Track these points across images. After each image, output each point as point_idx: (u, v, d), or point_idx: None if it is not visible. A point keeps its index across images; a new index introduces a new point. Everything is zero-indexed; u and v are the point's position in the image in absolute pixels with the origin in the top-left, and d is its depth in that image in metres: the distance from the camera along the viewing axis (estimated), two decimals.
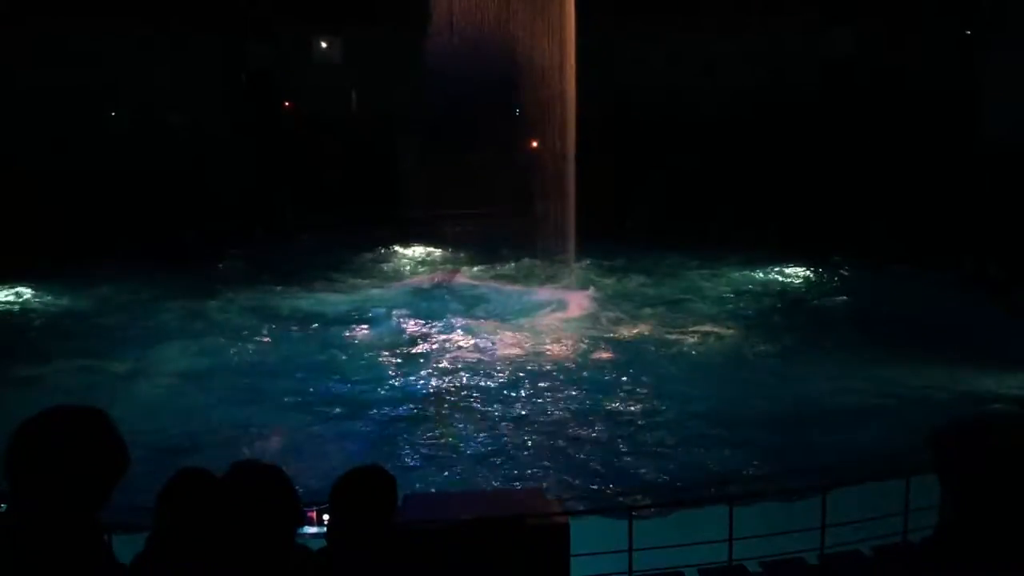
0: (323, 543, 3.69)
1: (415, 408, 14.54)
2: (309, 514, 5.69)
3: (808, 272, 23.47)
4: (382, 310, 20.12)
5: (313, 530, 5.49)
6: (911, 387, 15.04)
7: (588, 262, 23.79)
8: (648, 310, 19.91)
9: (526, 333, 18.37)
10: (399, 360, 16.85)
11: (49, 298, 21.68)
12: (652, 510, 9.31)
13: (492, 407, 14.55)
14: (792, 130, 26.65)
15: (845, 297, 21.27)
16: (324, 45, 30.76)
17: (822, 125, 26.67)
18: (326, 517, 3.87)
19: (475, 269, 24.45)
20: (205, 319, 19.54)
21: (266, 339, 18.22)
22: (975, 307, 18.50)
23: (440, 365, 16.58)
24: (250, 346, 17.74)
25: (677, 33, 27.80)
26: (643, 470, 12.15)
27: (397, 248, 26.94)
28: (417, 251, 26.88)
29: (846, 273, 23.08)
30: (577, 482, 11.73)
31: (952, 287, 20.20)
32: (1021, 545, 4.32)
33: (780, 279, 23.16)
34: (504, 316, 19.64)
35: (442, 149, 27.38)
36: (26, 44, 25.63)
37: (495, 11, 23.64)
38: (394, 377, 15.99)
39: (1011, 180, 22.50)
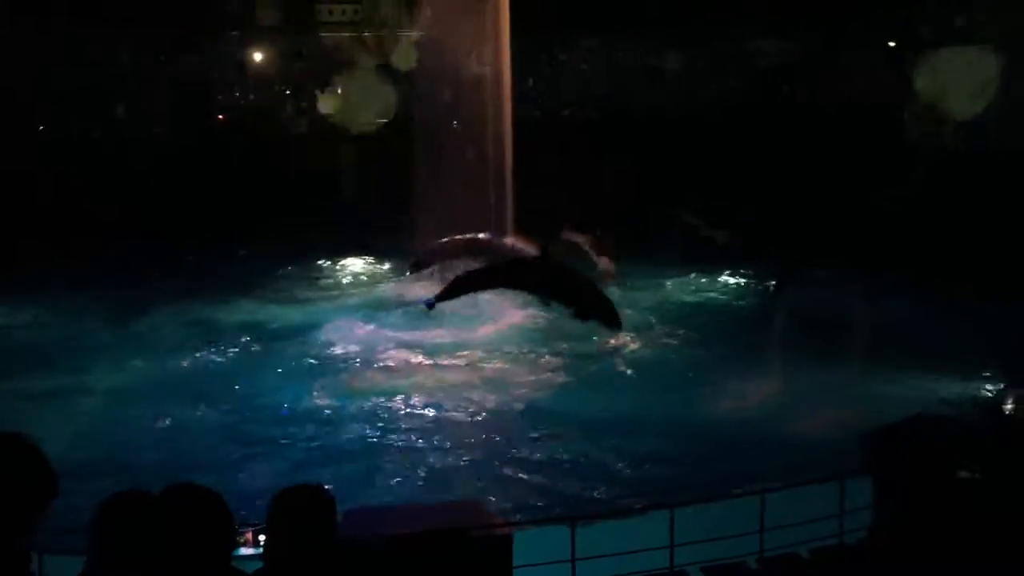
0: (259, 565, 3.63)
1: (354, 424, 14.39)
2: (245, 535, 5.59)
3: (745, 278, 23.81)
4: (319, 322, 19.90)
5: (249, 551, 5.39)
6: (847, 390, 15.34)
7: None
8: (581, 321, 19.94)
9: (462, 345, 18.28)
10: (336, 375, 16.67)
11: None
12: (594, 519, 9.34)
13: (431, 420, 14.48)
14: (730, 135, 27.09)
15: (781, 303, 21.59)
16: (258, 57, 30.43)
17: (760, 131, 27.15)
18: (262, 538, 3.80)
19: (407, 280, 24.32)
20: (138, 335, 19.11)
21: (200, 354, 17.88)
22: (908, 309, 18.92)
23: (375, 380, 16.42)
24: (183, 362, 17.40)
25: (617, 42, 28.15)
26: (583, 480, 12.19)
27: (335, 260, 26.66)
28: (355, 263, 26.65)
29: (783, 278, 23.44)
30: (518, 494, 11.73)
31: (884, 290, 20.64)
32: (950, 543, 4.44)
33: (717, 285, 23.46)
34: (440, 326, 19.52)
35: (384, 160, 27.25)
36: None
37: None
38: (332, 392, 15.80)
39: (939, 182, 23.16)
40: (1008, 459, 5.22)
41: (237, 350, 18.18)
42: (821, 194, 25.19)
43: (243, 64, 30.40)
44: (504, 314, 20.24)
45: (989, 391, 14.60)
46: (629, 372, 16.77)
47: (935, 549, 4.54)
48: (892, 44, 28.07)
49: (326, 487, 3.71)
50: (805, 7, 26.94)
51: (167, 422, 14.32)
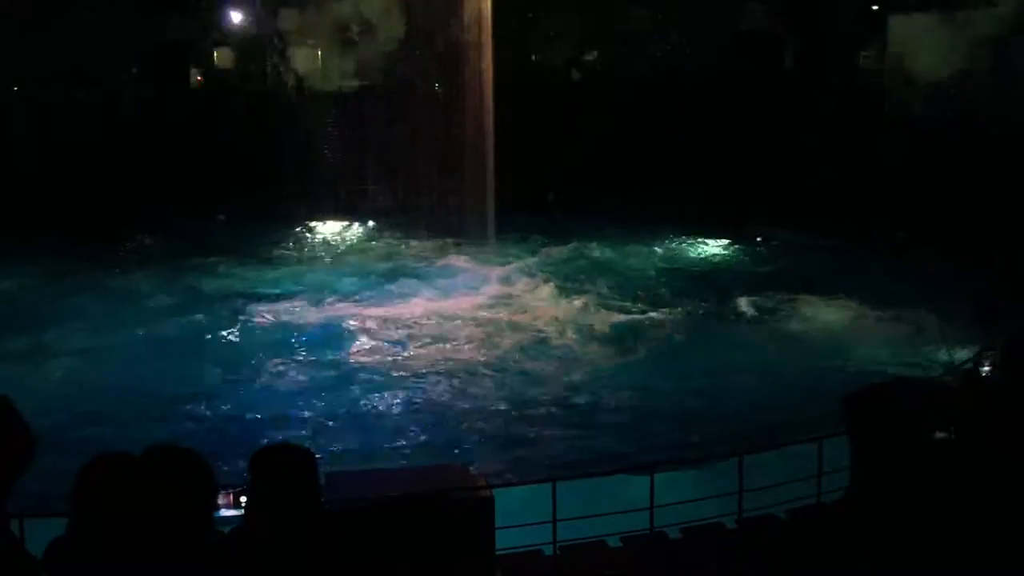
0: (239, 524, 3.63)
1: (333, 388, 14.41)
2: (226, 496, 5.59)
3: (724, 244, 23.89)
4: (298, 287, 19.85)
5: (231, 512, 5.40)
6: (824, 354, 15.50)
7: (508, 237, 23.78)
8: (564, 285, 19.98)
9: (444, 311, 18.29)
10: (316, 339, 16.67)
11: None
12: (574, 481, 9.41)
13: (412, 387, 14.51)
14: (708, 101, 26.96)
15: (761, 268, 21.73)
16: (238, 18, 29.91)
17: (737, 97, 27.04)
18: (243, 499, 3.80)
19: (390, 245, 24.26)
20: (117, 298, 18.97)
21: (180, 316, 17.83)
22: (888, 274, 19.04)
23: (357, 345, 16.47)
24: (163, 324, 17.33)
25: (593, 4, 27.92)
26: (564, 443, 12.28)
27: (314, 224, 26.46)
28: (335, 227, 26.47)
29: (763, 244, 23.55)
30: (500, 457, 11.80)
31: (859, 254, 20.76)
32: (924, 503, 4.50)
33: (694, 252, 23.54)
34: (424, 294, 19.51)
35: (360, 124, 27.00)
36: None
37: None
38: (311, 356, 15.82)
39: (920, 149, 23.18)
40: (984, 421, 5.27)
41: (215, 314, 18.09)
42: (776, 161, 25.30)
43: (222, 25, 29.88)
44: (484, 284, 20.25)
45: (966, 353, 14.75)
46: (609, 338, 16.81)
47: (911, 509, 4.58)
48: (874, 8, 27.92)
49: (306, 446, 3.72)
50: None
51: (148, 385, 14.27)
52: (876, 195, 22.09)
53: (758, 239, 23.68)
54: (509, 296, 19.35)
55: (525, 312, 18.31)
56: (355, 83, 27.44)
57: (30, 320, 17.41)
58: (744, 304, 18.61)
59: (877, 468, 4.64)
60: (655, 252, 23.40)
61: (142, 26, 27.94)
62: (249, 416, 13.24)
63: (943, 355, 14.91)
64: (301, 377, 14.89)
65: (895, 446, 4.57)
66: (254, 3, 29.37)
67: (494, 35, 23.39)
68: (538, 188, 26.41)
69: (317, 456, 3.81)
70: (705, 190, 24.00)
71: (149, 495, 3.10)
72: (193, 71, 29.52)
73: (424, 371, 15.14)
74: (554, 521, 7.61)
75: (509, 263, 21.73)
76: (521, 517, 7.56)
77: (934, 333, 15.10)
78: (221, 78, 29.66)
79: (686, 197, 23.74)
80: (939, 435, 4.99)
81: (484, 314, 18.19)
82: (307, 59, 28.36)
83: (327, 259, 23.35)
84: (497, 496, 7.26)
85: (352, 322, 17.59)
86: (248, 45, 29.58)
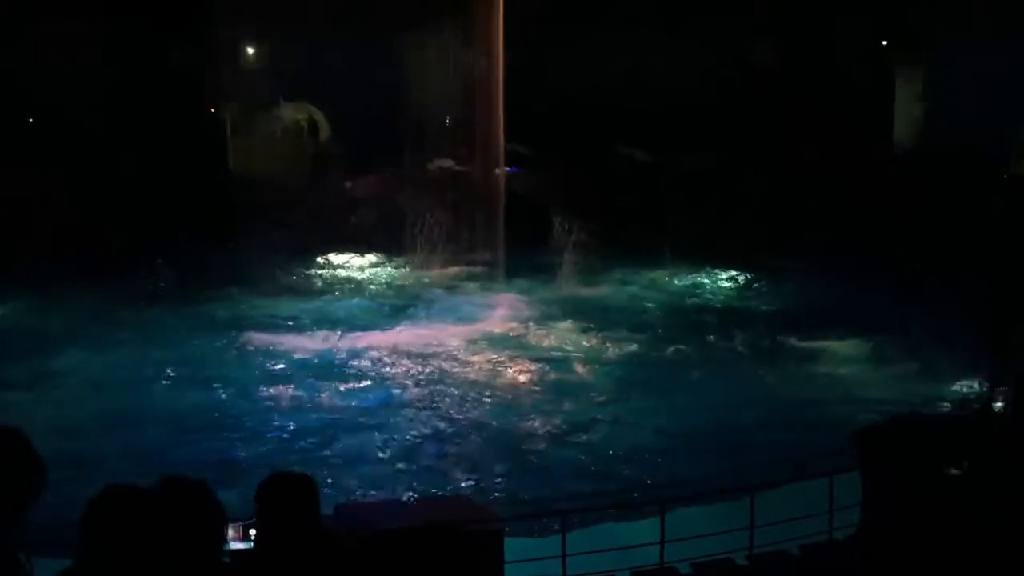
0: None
1: (341, 419, 14.37)
2: (235, 528, 5.56)
3: (733, 277, 23.85)
4: (310, 317, 19.88)
5: (239, 546, 5.38)
6: (835, 388, 15.42)
7: (516, 268, 23.84)
8: (574, 317, 19.95)
9: (454, 342, 18.27)
10: (324, 369, 16.66)
11: None
12: (584, 516, 9.36)
13: (421, 418, 14.47)
14: (718, 134, 27.11)
15: (769, 301, 21.68)
16: (251, 50, 30.25)
17: (747, 130, 27.19)
18: (252, 532, 3.80)
19: (402, 275, 24.32)
20: (128, 327, 19.01)
21: (190, 346, 17.86)
22: (896, 308, 18.98)
23: (366, 375, 16.44)
24: (172, 353, 17.35)
25: (603, 38, 28.13)
26: (574, 478, 12.21)
27: (326, 255, 26.52)
28: (346, 258, 26.53)
29: (771, 277, 23.51)
30: (509, 490, 11.74)
31: (871, 287, 20.71)
32: (937, 539, 4.46)
33: (704, 284, 23.49)
34: (434, 324, 19.52)
35: (372, 154, 27.21)
36: None
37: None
38: (320, 387, 15.79)
39: (924, 184, 23.26)
40: (997, 457, 5.24)
41: (224, 343, 18.12)
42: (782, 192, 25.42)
43: (236, 57, 30.21)
44: (492, 313, 20.27)
45: (979, 389, 14.66)
46: (618, 371, 16.76)
47: (923, 545, 4.55)
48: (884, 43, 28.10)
49: (307, 473, 3.72)
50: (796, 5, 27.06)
51: (158, 414, 14.28)
52: (883, 226, 22.13)
53: (769, 274, 23.65)
54: (518, 327, 19.33)
55: (534, 343, 18.30)
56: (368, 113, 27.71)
57: (38, 348, 17.45)
58: (753, 337, 18.56)
59: (889, 504, 4.61)
60: (664, 284, 23.37)
61: (153, 55, 28.26)
62: (257, 447, 13.21)
63: (955, 390, 14.84)
64: (312, 407, 14.88)
65: (908, 483, 4.53)
66: (267, 37, 29.72)
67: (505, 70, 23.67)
68: (548, 221, 26.50)
69: (324, 488, 3.82)
70: (713, 222, 24.06)
71: (159, 527, 3.09)
72: (203, 102, 29.79)
73: (431, 401, 15.13)
74: (563, 556, 7.55)
75: (518, 294, 21.73)
76: (530, 551, 7.51)
77: (946, 368, 15.06)
78: (234, 107, 29.93)
79: (694, 229, 23.78)
80: (952, 471, 4.95)
81: (492, 345, 18.18)
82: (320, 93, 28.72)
83: (338, 289, 23.39)
84: (506, 529, 7.22)
85: (363, 351, 17.59)
86: (260, 78, 29.89)
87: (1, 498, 2.62)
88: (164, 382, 15.88)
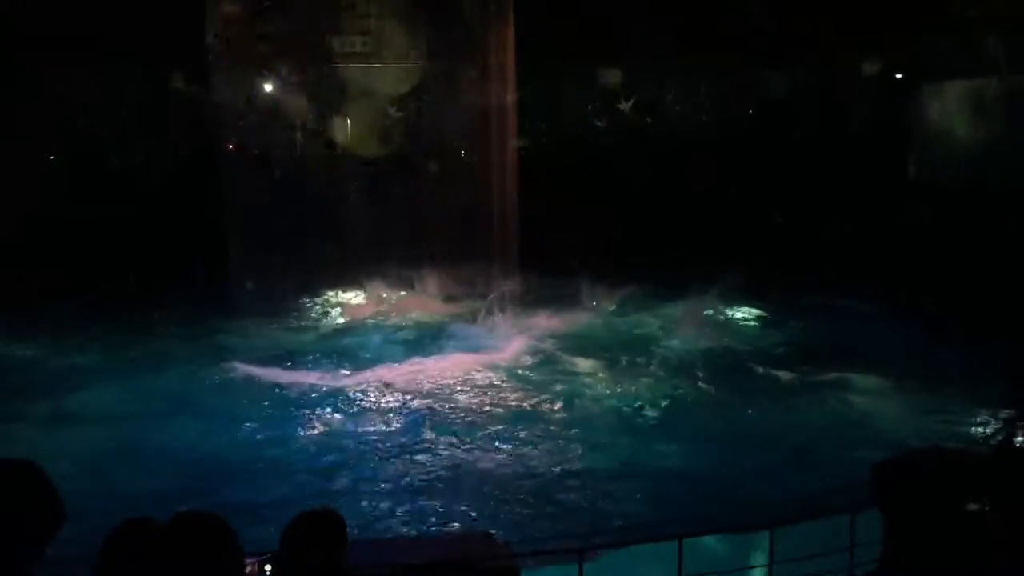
0: None
1: (354, 454, 14.35)
2: (251, 564, 5.55)
3: (750, 310, 23.77)
4: (327, 352, 19.92)
5: None
6: (854, 422, 15.30)
7: (532, 300, 23.87)
8: (589, 351, 19.92)
9: (466, 376, 18.26)
10: (339, 404, 16.67)
11: None
12: (601, 551, 9.28)
13: (435, 453, 14.43)
14: (732, 167, 27.22)
15: (787, 334, 21.59)
16: (267, 86, 30.59)
17: (760, 163, 27.29)
18: (268, 568, 3.79)
19: (415, 309, 24.36)
20: (142, 361, 19.10)
21: (202, 380, 17.93)
22: (916, 342, 18.88)
23: (380, 409, 16.44)
24: (185, 388, 17.41)
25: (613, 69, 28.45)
26: (591, 512, 12.13)
27: (340, 290, 26.61)
28: (359, 293, 26.60)
29: (789, 311, 23.42)
30: (525, 525, 11.66)
31: (890, 321, 20.62)
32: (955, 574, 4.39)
33: (720, 317, 23.39)
34: (447, 357, 19.52)
35: (387, 190, 27.44)
36: None
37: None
38: (333, 422, 15.82)
39: (941, 216, 23.25)
40: (1018, 493, 5.17)
41: (240, 377, 18.18)
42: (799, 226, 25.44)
43: (252, 94, 30.57)
44: (507, 344, 20.27)
45: (999, 424, 14.53)
46: (634, 404, 16.70)
47: None
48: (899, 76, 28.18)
49: (335, 512, 3.71)
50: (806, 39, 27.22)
51: (173, 449, 14.29)
52: (902, 260, 22.08)
53: (788, 306, 23.57)
54: (531, 360, 19.30)
55: (548, 377, 18.25)
56: (382, 150, 27.97)
57: (53, 383, 17.54)
58: (772, 370, 18.47)
59: (909, 540, 4.55)
60: (679, 318, 23.30)
61: (172, 93, 28.67)
62: (270, 481, 13.17)
63: (976, 425, 14.71)
64: (325, 441, 14.87)
65: (929, 519, 4.48)
66: (285, 73, 30.09)
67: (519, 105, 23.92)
68: (562, 254, 26.56)
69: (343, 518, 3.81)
70: (729, 257, 24.04)
71: (175, 562, 3.10)
72: (223, 137, 30.11)
73: (444, 435, 15.09)
74: None
75: (529, 329, 21.71)
76: None
77: (967, 403, 14.93)
78: (252, 144, 30.24)
79: (707, 264, 23.78)
80: (972, 507, 4.89)
81: (506, 378, 18.15)
82: (335, 126, 29.01)
83: (352, 324, 23.44)
84: (523, 564, 7.18)
85: (377, 385, 17.61)
86: (280, 112, 30.21)
87: (21, 534, 2.63)
88: (176, 417, 15.88)
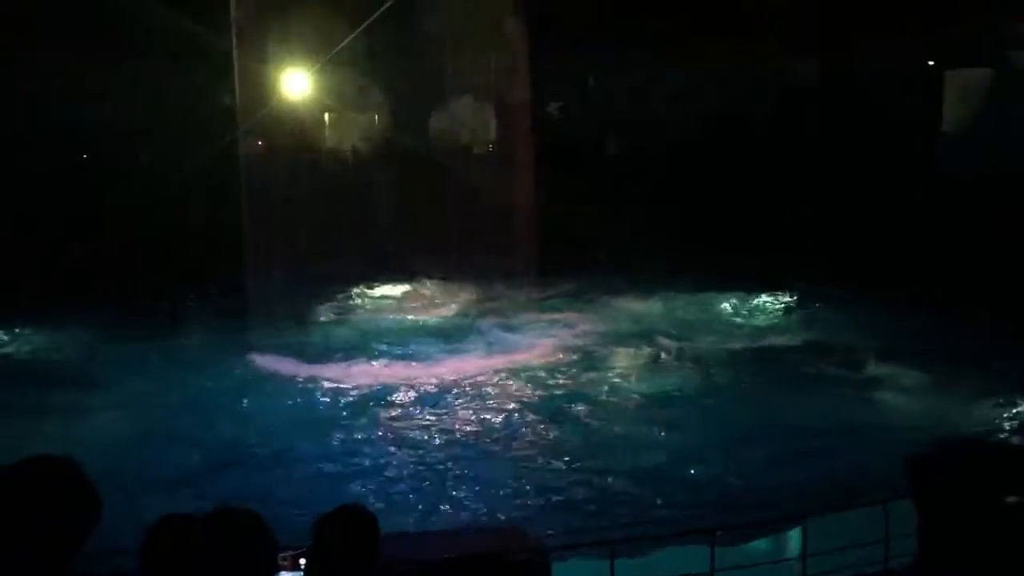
0: None
1: (383, 450, 14.40)
2: (284, 559, 5.60)
3: (777, 300, 23.62)
4: (353, 346, 20.02)
5: (289, 575, 5.40)
6: (889, 414, 15.17)
7: (555, 293, 23.86)
8: (619, 340, 19.89)
9: (496, 370, 18.26)
10: (369, 399, 16.73)
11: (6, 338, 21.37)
12: (633, 545, 9.27)
13: (466, 446, 14.47)
14: (756, 157, 27.07)
15: (815, 324, 21.43)
16: (293, 80, 30.70)
17: (785, 153, 27.12)
18: (302, 562, 3.83)
19: (443, 303, 24.42)
20: (170, 355, 19.24)
21: (237, 375, 18.04)
22: (945, 332, 18.66)
23: (410, 403, 16.50)
24: (222, 384, 17.53)
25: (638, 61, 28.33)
26: (622, 505, 12.11)
27: (365, 286, 26.68)
28: (385, 289, 26.67)
29: (816, 301, 23.26)
30: (555, 518, 11.66)
31: (920, 313, 20.39)
32: (995, 570, 4.35)
33: (747, 309, 23.25)
34: (474, 352, 19.56)
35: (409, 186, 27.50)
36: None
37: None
38: (366, 417, 15.88)
39: (966, 207, 22.99)
40: None
41: (268, 371, 18.29)
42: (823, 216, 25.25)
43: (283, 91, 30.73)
44: (538, 341, 20.25)
45: None
46: (665, 397, 16.64)
47: (977, 573, 4.45)
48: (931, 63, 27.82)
49: (367, 508, 3.74)
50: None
51: (204, 444, 14.39)
52: (929, 250, 21.87)
53: (814, 297, 23.41)
54: (564, 356, 19.27)
55: (577, 370, 18.23)
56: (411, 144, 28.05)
57: (76, 376, 17.68)
58: (804, 362, 18.35)
59: (944, 533, 4.51)
60: (710, 307, 23.22)
61: (201, 92, 28.82)
62: (302, 476, 13.26)
63: (1011, 417, 14.53)
64: (355, 436, 14.94)
65: (966, 511, 4.43)
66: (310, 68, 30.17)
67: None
68: (586, 247, 26.53)
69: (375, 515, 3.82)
70: (754, 248, 23.93)
71: (213, 556, 3.13)
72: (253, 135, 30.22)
73: (476, 428, 15.14)
74: None
75: (558, 323, 21.70)
76: None
77: (1002, 395, 14.76)
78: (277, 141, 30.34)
79: (734, 255, 23.67)
80: (1010, 499, 4.83)
81: (535, 372, 18.16)
82: (356, 124, 29.14)
83: (377, 319, 23.53)
84: (553, 558, 7.18)
85: (404, 381, 17.66)
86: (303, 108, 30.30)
87: (60, 529, 2.67)
88: (203, 411, 15.99)
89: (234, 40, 24.75)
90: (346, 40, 22.78)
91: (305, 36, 26.74)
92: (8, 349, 20.93)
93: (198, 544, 3.11)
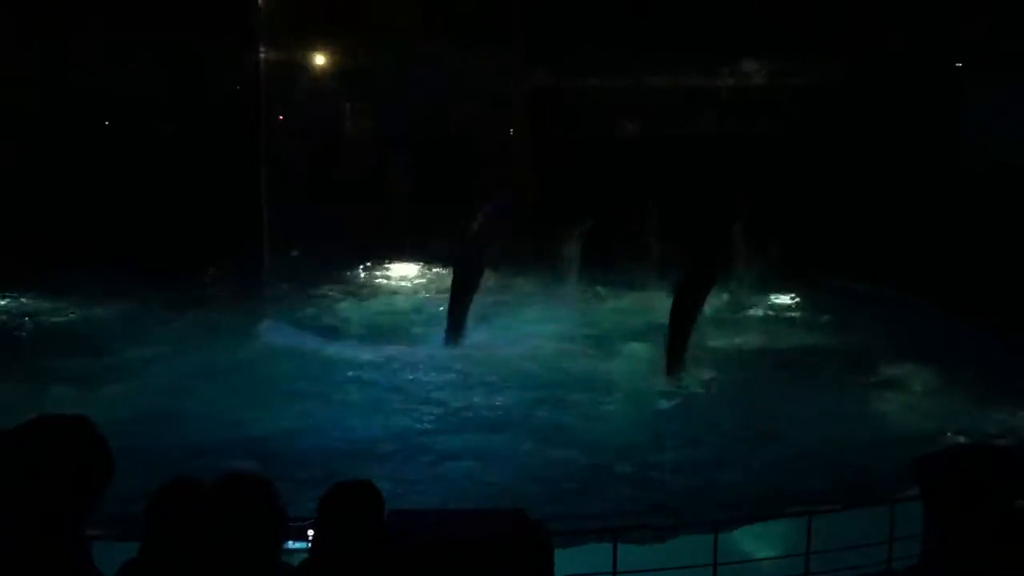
0: (306, 558, 3.67)
1: (391, 429, 14.44)
2: (295, 528, 5.64)
3: (790, 298, 23.52)
4: (368, 324, 20.08)
5: (298, 545, 5.44)
6: (897, 414, 15.11)
7: (568, 285, 23.80)
8: (628, 333, 19.81)
9: (506, 355, 18.25)
10: (380, 376, 16.78)
11: (27, 304, 21.48)
12: (636, 533, 9.29)
13: (475, 427, 14.51)
14: (777, 155, 26.88)
15: (826, 323, 21.35)
16: (320, 60, 30.73)
17: (807, 152, 26.94)
18: (310, 532, 3.85)
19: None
20: (195, 327, 19.34)
21: (256, 346, 18.13)
22: (959, 334, 18.55)
23: (422, 382, 16.55)
24: (239, 354, 17.60)
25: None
26: (628, 494, 12.12)
27: (389, 265, 26.76)
28: (408, 268, 26.75)
29: (828, 299, 23.14)
30: (560, 504, 11.69)
31: (932, 313, 20.27)
32: (1000, 570, 4.33)
33: (760, 305, 23.14)
34: (485, 335, 19.55)
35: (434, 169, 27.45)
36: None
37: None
38: (376, 394, 15.94)
39: (991, 207, 22.81)
40: None
41: (284, 347, 18.34)
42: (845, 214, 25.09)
43: (305, 68, 30.75)
44: (547, 328, 20.21)
45: None
46: (674, 391, 16.59)
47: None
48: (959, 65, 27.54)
49: (374, 484, 3.75)
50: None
51: (217, 413, 14.48)
52: (946, 250, 21.74)
53: (826, 295, 23.29)
54: (575, 345, 19.24)
55: (586, 358, 18.21)
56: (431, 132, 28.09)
57: (94, 344, 17.83)
58: (810, 358, 18.28)
59: (951, 535, 4.49)
60: (723, 304, 23.09)
61: (223, 64, 28.82)
62: (312, 448, 13.34)
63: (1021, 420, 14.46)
64: (364, 414, 15.01)
65: (973, 514, 4.42)
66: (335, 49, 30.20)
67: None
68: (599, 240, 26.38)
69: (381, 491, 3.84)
70: (770, 243, 23.78)
71: (222, 520, 3.15)
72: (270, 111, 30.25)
73: (485, 412, 15.17)
74: (614, 573, 7.51)
75: (576, 308, 21.67)
76: (580, 567, 7.48)
77: (1013, 397, 14.66)
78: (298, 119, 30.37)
79: (750, 250, 23.50)
80: (1019, 503, 4.81)
81: (544, 357, 18.14)
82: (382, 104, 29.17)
83: (391, 298, 23.59)
84: (557, 542, 7.19)
85: (417, 361, 17.71)
86: (327, 88, 30.34)
87: (75, 487, 2.69)
88: (217, 384, 16.07)
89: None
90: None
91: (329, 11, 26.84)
92: (39, 318, 21.06)
93: (205, 507, 3.12)
